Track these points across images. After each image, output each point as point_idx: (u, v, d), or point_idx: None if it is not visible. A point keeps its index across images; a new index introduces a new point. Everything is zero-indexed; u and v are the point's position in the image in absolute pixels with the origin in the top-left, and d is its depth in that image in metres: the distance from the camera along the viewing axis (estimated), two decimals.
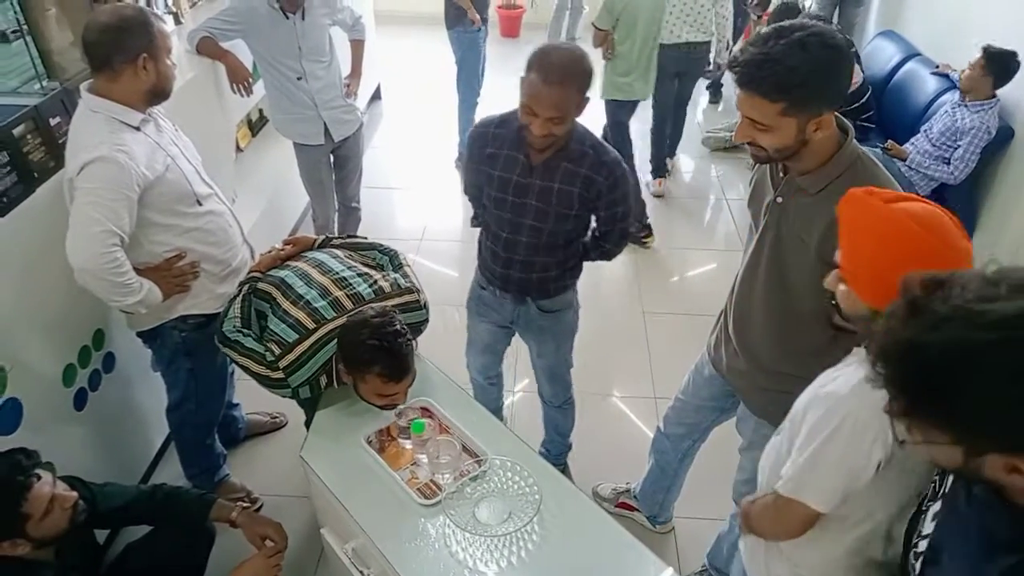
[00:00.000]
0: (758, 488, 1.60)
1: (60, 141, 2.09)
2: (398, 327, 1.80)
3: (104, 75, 1.91)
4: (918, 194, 3.66)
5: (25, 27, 2.39)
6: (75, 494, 1.69)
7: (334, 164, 3.50)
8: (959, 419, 0.87)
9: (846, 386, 1.22)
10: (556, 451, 2.73)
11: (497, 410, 2.73)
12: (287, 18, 2.97)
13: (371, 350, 1.75)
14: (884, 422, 1.18)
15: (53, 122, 2.12)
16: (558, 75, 1.77)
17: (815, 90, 1.38)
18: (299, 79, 3.11)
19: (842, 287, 1.24)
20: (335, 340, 1.87)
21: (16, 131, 2.00)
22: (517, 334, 2.42)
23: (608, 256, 2.24)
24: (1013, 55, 3.45)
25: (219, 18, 2.99)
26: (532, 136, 1.87)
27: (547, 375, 2.48)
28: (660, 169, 4.72)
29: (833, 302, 1.30)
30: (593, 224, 2.17)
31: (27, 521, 1.57)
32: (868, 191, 1.20)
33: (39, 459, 1.66)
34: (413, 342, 1.87)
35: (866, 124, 4.37)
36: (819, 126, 1.42)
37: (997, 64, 3.46)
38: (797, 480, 1.27)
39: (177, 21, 3.20)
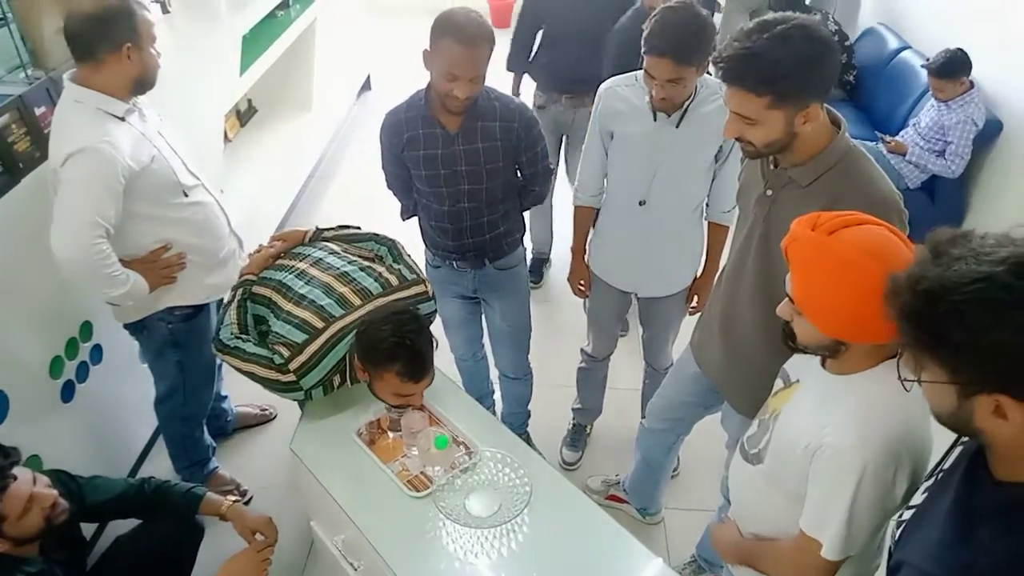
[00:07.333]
0: (734, 514, 1.60)
1: (45, 131, 2.07)
2: (420, 325, 1.79)
3: (88, 65, 1.89)
4: (908, 186, 3.71)
5: (10, 15, 2.36)
6: (54, 493, 1.66)
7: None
8: (952, 348, 0.91)
9: (848, 436, 1.23)
10: (519, 422, 2.76)
11: (488, 394, 2.75)
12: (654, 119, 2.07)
13: (392, 347, 1.71)
14: (900, 452, 1.20)
15: (38, 112, 2.10)
16: (475, 36, 1.83)
17: (800, 82, 1.39)
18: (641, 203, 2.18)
19: (800, 320, 1.28)
20: (347, 338, 1.83)
21: (0, 121, 1.97)
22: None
23: (540, 198, 2.32)
24: (956, 53, 3.45)
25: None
26: (456, 102, 1.91)
27: (512, 339, 2.50)
28: None
29: (785, 328, 1.33)
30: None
31: (3, 521, 1.55)
32: (811, 222, 1.23)
33: (18, 458, 1.62)
34: (434, 341, 1.83)
35: (850, 81, 4.61)
36: (807, 118, 1.43)
37: (949, 71, 3.47)
38: (842, 545, 1.27)
39: (164, 10, 3.15)
